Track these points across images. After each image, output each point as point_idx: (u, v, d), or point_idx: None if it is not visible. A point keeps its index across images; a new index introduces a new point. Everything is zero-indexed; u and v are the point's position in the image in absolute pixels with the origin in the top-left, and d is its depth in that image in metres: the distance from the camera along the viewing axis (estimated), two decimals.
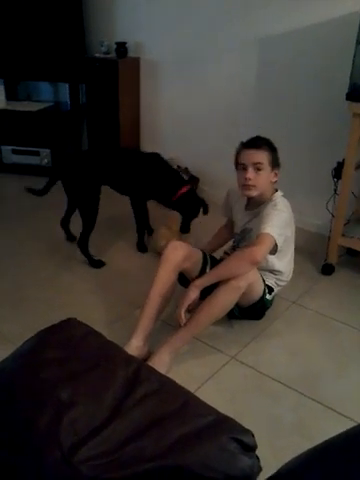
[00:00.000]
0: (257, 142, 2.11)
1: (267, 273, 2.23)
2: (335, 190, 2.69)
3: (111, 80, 3.77)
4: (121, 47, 3.75)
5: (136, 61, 3.83)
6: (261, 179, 2.11)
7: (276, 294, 2.33)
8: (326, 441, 0.89)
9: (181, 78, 3.63)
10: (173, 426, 1.07)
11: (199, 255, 2.28)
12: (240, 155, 2.14)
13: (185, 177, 3.63)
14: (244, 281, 1.98)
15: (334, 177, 2.65)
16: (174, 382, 1.21)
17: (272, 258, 2.17)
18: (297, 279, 2.64)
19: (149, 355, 2.01)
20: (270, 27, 3.03)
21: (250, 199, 2.24)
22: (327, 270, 2.74)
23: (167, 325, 2.25)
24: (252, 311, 2.25)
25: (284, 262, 2.25)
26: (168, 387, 1.18)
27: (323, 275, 2.75)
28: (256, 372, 2.05)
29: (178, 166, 3.71)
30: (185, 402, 1.13)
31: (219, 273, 2.01)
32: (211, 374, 2.02)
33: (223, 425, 1.09)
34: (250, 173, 2.09)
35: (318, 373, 2.05)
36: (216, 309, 2.02)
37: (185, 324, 2.01)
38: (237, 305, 2.13)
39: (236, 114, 3.35)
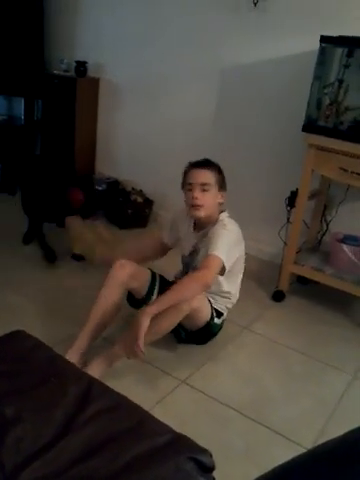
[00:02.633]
0: (205, 163, 2.12)
1: (216, 296, 2.20)
2: (288, 219, 2.75)
3: (69, 98, 3.73)
4: (81, 66, 3.72)
5: (95, 81, 3.82)
6: (208, 199, 2.09)
7: (226, 319, 2.30)
8: (282, 466, 0.86)
9: (140, 102, 3.65)
10: (127, 445, 1.00)
11: (147, 274, 2.25)
12: (188, 175, 2.12)
13: (139, 199, 3.61)
14: (187, 305, 1.94)
15: (287, 206, 2.71)
16: (128, 400, 1.14)
17: (221, 279, 2.14)
18: (249, 305, 2.66)
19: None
20: (231, 58, 3.11)
21: (197, 220, 2.21)
22: (278, 297, 2.77)
23: (108, 343, 2.16)
24: (199, 335, 2.20)
25: (233, 283, 2.23)
26: (122, 404, 1.11)
27: (274, 302, 2.77)
28: (206, 396, 2.00)
29: (133, 188, 3.69)
30: (140, 420, 1.07)
31: (171, 298, 1.91)
32: (160, 398, 1.95)
33: (180, 444, 1.04)
34: (197, 193, 2.07)
35: (267, 398, 2.04)
36: (157, 329, 1.96)
37: (119, 341, 1.97)
38: (183, 329, 2.10)
39: (194, 140, 3.39)
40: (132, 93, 3.67)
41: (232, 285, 2.23)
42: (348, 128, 2.46)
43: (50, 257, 2.94)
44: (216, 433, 1.81)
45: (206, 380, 2.09)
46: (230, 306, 2.28)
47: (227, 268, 2.01)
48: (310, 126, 2.50)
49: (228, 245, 2.02)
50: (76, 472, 0.95)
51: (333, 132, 2.46)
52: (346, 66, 2.48)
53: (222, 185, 2.13)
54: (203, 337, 2.24)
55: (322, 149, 2.47)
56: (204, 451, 1.05)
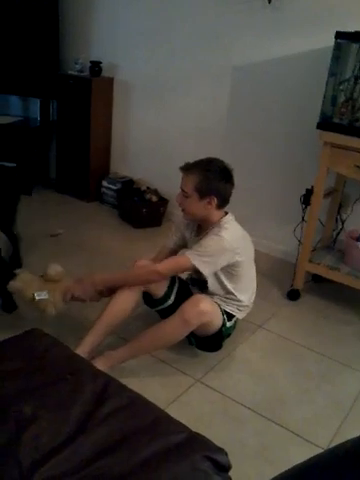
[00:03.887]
0: (187, 167, 2.03)
1: (225, 299, 2.15)
2: (303, 217, 2.73)
3: (84, 98, 3.75)
4: (96, 66, 3.74)
5: (110, 81, 3.84)
6: (188, 206, 2.04)
7: (240, 319, 2.25)
8: (299, 466, 0.86)
9: (154, 101, 3.66)
10: (143, 443, 1.01)
11: None
12: None
13: (154, 198, 3.62)
14: (196, 320, 1.94)
15: (302, 204, 2.70)
16: (144, 398, 1.15)
17: (227, 284, 2.10)
18: (263, 303, 2.65)
19: None
20: (244, 56, 3.10)
21: (199, 225, 2.17)
22: (293, 296, 2.75)
23: (122, 340, 2.17)
24: (210, 343, 2.18)
25: (241, 288, 2.15)
26: (138, 403, 1.11)
27: (289, 300, 2.76)
28: (221, 395, 2.00)
29: (148, 187, 3.70)
30: (156, 419, 1.08)
31: (123, 276, 2.11)
32: (175, 397, 1.96)
33: (196, 443, 1.04)
34: (178, 197, 2.06)
35: (282, 398, 2.03)
36: (160, 340, 2.03)
37: (128, 344, 2.01)
38: (193, 336, 2.10)
39: (206, 138, 3.39)
40: (146, 92, 3.68)
41: (241, 291, 2.15)
42: None
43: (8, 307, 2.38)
44: (231, 432, 1.81)
45: (221, 379, 2.09)
46: (244, 310, 2.22)
47: (205, 273, 2.00)
48: (325, 123, 2.48)
49: (207, 252, 1.98)
50: (92, 470, 0.96)
51: (349, 129, 2.44)
52: None
53: (204, 192, 1.98)
54: (215, 344, 2.20)
55: (337, 147, 2.45)
56: (220, 450, 1.05)
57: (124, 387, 1.19)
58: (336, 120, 2.50)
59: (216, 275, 2.09)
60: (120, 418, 1.06)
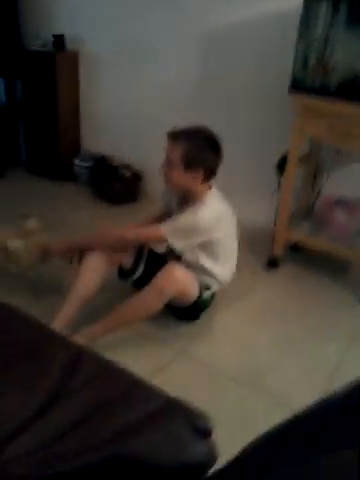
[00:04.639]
0: (175, 135, 1.92)
1: (202, 273, 2.10)
2: (279, 184, 2.68)
3: (48, 74, 3.60)
4: (59, 40, 3.59)
5: (75, 55, 3.69)
6: (172, 176, 1.94)
7: (216, 291, 2.21)
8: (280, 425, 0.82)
9: (121, 73, 3.54)
10: (119, 412, 0.95)
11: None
12: None
13: (128, 174, 3.53)
14: (171, 288, 1.90)
15: (278, 171, 2.65)
16: (119, 366, 1.09)
17: (204, 261, 2.05)
18: (243, 274, 2.60)
19: None
20: (213, 21, 3.00)
21: (182, 197, 2.08)
22: (272, 264, 2.72)
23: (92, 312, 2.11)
24: (186, 313, 2.15)
25: (219, 264, 2.10)
26: (112, 371, 1.05)
27: (268, 269, 2.72)
28: (203, 365, 1.97)
29: (121, 163, 3.60)
30: (132, 386, 1.02)
31: (89, 239, 2.11)
32: (157, 369, 1.91)
33: (175, 409, 0.99)
34: (163, 164, 1.96)
35: (265, 365, 2.00)
36: (137, 312, 1.98)
37: (105, 319, 1.95)
38: (170, 307, 2.06)
39: (178, 108, 3.29)
40: (113, 65, 3.56)
41: (219, 267, 2.10)
42: (336, 86, 2.38)
43: None
44: (214, 402, 1.77)
45: (203, 349, 2.06)
46: (223, 282, 2.18)
47: (178, 248, 1.97)
48: (297, 86, 2.42)
49: (181, 228, 1.93)
50: (64, 443, 0.90)
51: (321, 91, 2.38)
52: (331, 22, 2.39)
53: (191, 163, 1.89)
54: (193, 313, 2.18)
55: (310, 110, 2.39)
56: (201, 414, 1.00)
57: (97, 356, 1.13)
58: (308, 82, 2.43)
59: (193, 252, 2.04)
60: (93, 388, 1.00)
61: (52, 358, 1.06)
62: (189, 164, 1.90)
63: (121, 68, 3.53)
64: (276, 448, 0.75)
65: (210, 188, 2.02)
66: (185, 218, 1.94)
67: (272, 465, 0.66)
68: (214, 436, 1.12)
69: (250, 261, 2.79)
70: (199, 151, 1.91)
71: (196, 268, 2.07)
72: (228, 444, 1.50)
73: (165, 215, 2.19)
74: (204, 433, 0.98)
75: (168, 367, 1.93)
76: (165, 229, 1.94)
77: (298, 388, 1.89)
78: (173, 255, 2.18)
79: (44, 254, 2.07)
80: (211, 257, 2.06)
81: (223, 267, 2.13)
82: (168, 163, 1.93)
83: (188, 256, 2.06)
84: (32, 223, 2.07)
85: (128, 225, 2.21)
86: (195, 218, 1.91)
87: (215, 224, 1.96)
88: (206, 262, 2.06)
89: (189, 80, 3.23)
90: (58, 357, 1.06)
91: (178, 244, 1.95)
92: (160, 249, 2.29)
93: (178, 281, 1.92)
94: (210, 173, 1.96)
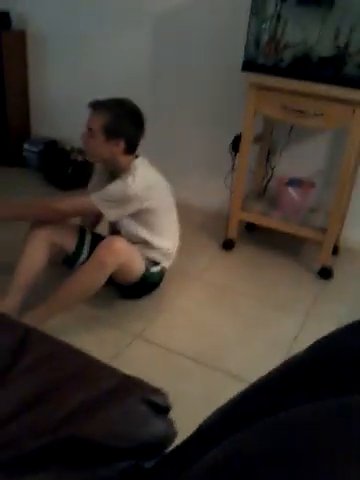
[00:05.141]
0: (95, 104, 1.91)
1: (145, 247, 2.07)
2: (233, 165, 2.67)
3: None
4: (4, 17, 3.42)
5: (21, 34, 3.53)
6: (92, 146, 1.92)
7: (167, 268, 2.18)
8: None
9: (71, 53, 3.42)
10: (71, 393, 0.91)
11: (73, 228, 2.13)
12: None
13: (79, 158, 3.43)
14: (111, 260, 1.83)
15: (232, 151, 2.63)
16: (70, 345, 1.04)
17: (141, 232, 2.03)
18: (198, 256, 2.60)
19: None
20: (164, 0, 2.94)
21: (111, 172, 2.05)
22: (227, 245, 2.71)
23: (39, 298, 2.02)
24: (136, 289, 2.12)
25: (159, 235, 2.08)
26: (63, 351, 1.00)
27: (224, 251, 2.72)
28: (161, 349, 1.94)
29: (72, 147, 3.49)
30: (84, 365, 0.97)
31: (19, 209, 2.01)
32: (114, 354, 1.87)
33: (130, 386, 0.95)
34: (83, 135, 1.93)
35: (223, 345, 2.00)
36: (79, 289, 1.89)
37: (47, 301, 1.87)
38: (117, 285, 2.02)
39: (129, 90, 3.19)
40: (62, 45, 3.43)
41: (159, 238, 2.08)
42: (288, 65, 2.38)
43: None
44: (174, 383, 1.75)
45: (160, 332, 2.03)
46: (166, 256, 2.14)
47: (110, 218, 1.96)
48: (250, 65, 2.40)
49: (111, 195, 1.90)
50: (15, 427, 0.84)
51: (273, 70, 2.37)
52: (283, 0, 2.38)
53: (112, 133, 1.88)
54: (141, 289, 2.15)
55: (263, 88, 2.38)
56: (157, 391, 0.97)
57: (46, 336, 1.07)
58: (261, 61, 2.43)
59: (129, 223, 2.01)
60: (43, 369, 0.95)
61: None
62: (110, 134, 1.88)
63: (71, 48, 3.41)
64: (238, 412, 0.73)
65: (136, 157, 2.00)
66: (115, 187, 1.91)
67: (234, 427, 0.64)
68: (173, 414, 1.10)
69: (205, 243, 2.78)
70: (121, 122, 1.90)
71: (137, 241, 2.04)
72: (188, 421, 1.49)
73: None
74: (161, 409, 0.96)
75: (124, 351, 1.89)
76: (95, 198, 1.90)
77: (257, 364, 1.89)
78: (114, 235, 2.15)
79: None
80: (147, 228, 2.04)
81: (162, 238, 2.10)
82: (89, 132, 1.91)
83: (124, 231, 2.04)
84: None
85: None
86: (124, 186, 1.89)
87: (146, 192, 1.93)
88: (144, 233, 2.04)
89: (141, 60, 3.15)
90: (3, 339, 1.00)
91: (110, 213, 1.92)
92: (103, 232, 2.25)
93: (118, 252, 1.86)
94: (131, 146, 1.95)
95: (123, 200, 1.91)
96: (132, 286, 2.07)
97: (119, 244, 1.88)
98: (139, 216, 1.99)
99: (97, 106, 1.90)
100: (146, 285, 2.12)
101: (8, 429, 0.84)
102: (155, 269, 2.10)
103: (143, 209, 1.95)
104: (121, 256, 1.87)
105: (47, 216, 1.99)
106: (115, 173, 1.99)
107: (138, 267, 2.00)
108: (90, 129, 1.89)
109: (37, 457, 0.81)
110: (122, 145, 1.91)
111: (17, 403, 0.88)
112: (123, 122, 1.90)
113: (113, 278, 1.94)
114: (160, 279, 2.19)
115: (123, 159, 1.95)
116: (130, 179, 1.89)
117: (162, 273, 2.17)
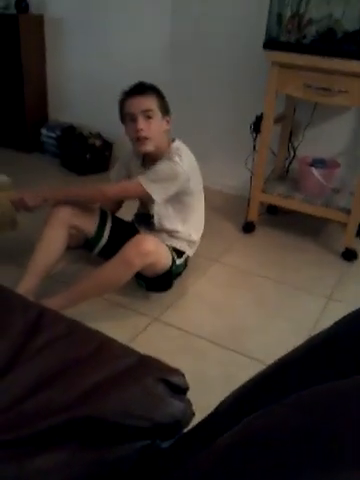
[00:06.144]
0: (142, 88, 1.92)
1: (173, 235, 2.06)
2: (254, 146, 2.61)
3: (12, 38, 3.42)
4: (22, 2, 3.41)
5: (39, 18, 3.51)
6: (154, 128, 1.90)
7: (190, 256, 2.16)
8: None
9: (89, 37, 3.38)
10: (87, 372, 0.89)
11: (94, 212, 2.10)
12: (125, 105, 1.93)
13: (97, 143, 3.41)
14: (139, 261, 1.80)
15: (253, 132, 2.57)
16: (85, 325, 1.02)
17: (175, 217, 2.02)
18: (218, 239, 2.56)
19: None
20: None
21: (146, 155, 2.03)
22: (248, 228, 2.67)
23: (57, 283, 2.05)
24: (159, 282, 2.08)
25: (189, 221, 2.07)
26: (78, 330, 0.98)
27: (244, 233, 2.67)
28: (180, 331, 1.91)
29: (90, 132, 3.47)
30: (100, 345, 0.95)
31: (71, 192, 2.03)
32: (133, 337, 1.85)
33: (147, 366, 0.93)
34: (141, 123, 1.88)
35: (243, 327, 1.96)
36: (103, 284, 1.88)
37: (69, 290, 1.86)
38: (142, 278, 2.00)
39: (148, 73, 3.15)
40: (80, 29, 3.40)
41: (189, 225, 2.07)
42: (312, 41, 2.30)
43: None
44: (193, 365, 1.73)
45: (179, 315, 2.00)
46: (191, 245, 2.13)
47: (157, 199, 1.91)
48: (271, 42, 2.33)
49: (160, 176, 1.89)
50: (28, 406, 0.83)
51: (296, 47, 2.30)
52: None
53: (166, 109, 1.95)
54: (166, 282, 2.10)
55: (285, 66, 2.31)
56: (174, 371, 0.95)
57: (61, 316, 1.05)
58: (283, 38, 2.35)
59: (165, 206, 1.98)
60: (58, 348, 0.93)
61: (10, 319, 0.98)
62: (164, 111, 1.94)
63: (89, 33, 3.37)
64: (259, 391, 0.71)
65: (173, 140, 2.01)
66: (164, 166, 1.90)
67: (254, 406, 0.62)
68: (190, 395, 1.07)
69: (226, 227, 2.73)
70: (165, 98, 1.97)
71: (167, 230, 2.03)
72: (206, 402, 1.47)
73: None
74: (179, 390, 0.93)
75: (144, 334, 1.87)
76: (143, 180, 1.88)
77: (276, 346, 1.84)
78: (142, 220, 2.12)
79: (19, 208, 1.97)
80: (184, 212, 2.04)
81: (194, 226, 2.10)
82: (145, 118, 1.89)
83: (158, 216, 2.03)
84: (3, 179, 1.99)
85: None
86: (172, 164, 1.89)
87: (191, 172, 1.96)
88: (176, 221, 2.04)
89: (159, 43, 3.10)
90: (17, 319, 0.98)
91: (157, 194, 1.90)
92: (126, 217, 2.23)
93: (147, 254, 1.82)
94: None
95: (171, 178, 1.90)
96: (157, 280, 2.04)
97: (149, 246, 1.83)
98: (177, 199, 1.98)
99: (145, 89, 1.92)
100: (170, 277, 2.08)
101: (23, 408, 0.82)
102: (179, 261, 2.07)
103: (184, 190, 1.96)
104: (149, 257, 1.83)
105: (98, 200, 2.07)
106: (154, 156, 1.97)
107: (165, 263, 1.97)
108: (148, 111, 1.88)
109: (52, 436, 0.79)
110: (171, 121, 1.97)
111: (32, 382, 0.87)
112: (165, 99, 1.96)
113: (139, 271, 1.91)
114: (184, 268, 2.16)
115: (166, 139, 1.98)
116: (177, 158, 1.90)
117: (186, 262, 2.15)
